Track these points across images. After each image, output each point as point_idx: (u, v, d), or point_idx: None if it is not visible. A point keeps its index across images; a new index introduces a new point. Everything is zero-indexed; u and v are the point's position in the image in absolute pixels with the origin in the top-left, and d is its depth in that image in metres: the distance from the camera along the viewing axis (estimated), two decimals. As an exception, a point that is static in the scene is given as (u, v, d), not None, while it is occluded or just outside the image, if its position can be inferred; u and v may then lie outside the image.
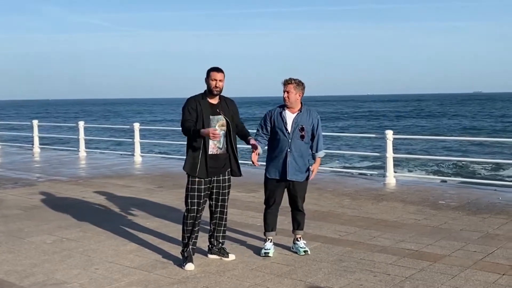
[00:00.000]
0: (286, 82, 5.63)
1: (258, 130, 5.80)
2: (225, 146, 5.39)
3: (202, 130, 5.09)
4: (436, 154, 25.30)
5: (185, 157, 5.42)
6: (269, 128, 5.71)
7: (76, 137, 16.72)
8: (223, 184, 5.49)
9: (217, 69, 5.34)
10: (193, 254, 5.43)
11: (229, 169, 5.50)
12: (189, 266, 5.28)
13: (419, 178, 11.92)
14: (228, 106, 5.45)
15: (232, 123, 5.40)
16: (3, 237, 6.61)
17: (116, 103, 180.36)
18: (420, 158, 21.64)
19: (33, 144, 17.77)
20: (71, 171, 12.74)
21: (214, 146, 5.31)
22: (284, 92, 5.61)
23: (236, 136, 5.53)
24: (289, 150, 5.60)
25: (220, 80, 5.29)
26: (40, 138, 18.22)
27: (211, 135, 5.03)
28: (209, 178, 5.36)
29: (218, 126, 5.29)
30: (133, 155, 15.00)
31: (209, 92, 5.32)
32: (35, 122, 18.02)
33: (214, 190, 5.46)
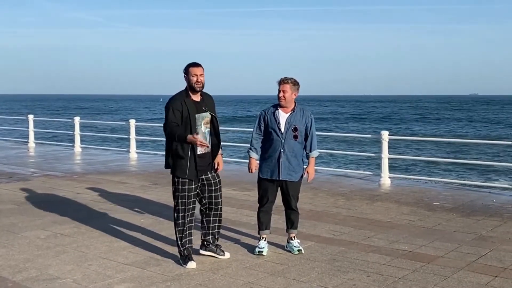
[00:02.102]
0: (282, 82, 5.58)
1: (253, 133, 5.77)
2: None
3: (189, 137, 4.97)
4: (431, 156, 25.35)
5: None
6: (262, 129, 5.70)
7: (71, 132, 16.69)
8: (213, 181, 5.42)
9: (196, 64, 5.20)
10: (192, 253, 5.37)
11: (212, 165, 5.43)
12: (191, 264, 5.22)
13: (414, 179, 11.94)
14: (209, 101, 5.34)
15: (216, 118, 5.34)
16: (-3, 232, 6.60)
17: (108, 99, 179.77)
18: (415, 159, 21.70)
19: (28, 139, 17.73)
20: (66, 166, 12.71)
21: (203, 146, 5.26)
22: (280, 91, 5.58)
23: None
24: (282, 150, 5.59)
25: (201, 75, 5.15)
26: (35, 133, 18.17)
27: (198, 143, 4.97)
28: (198, 178, 5.31)
29: (203, 124, 5.22)
30: (128, 151, 14.98)
31: (191, 89, 5.18)
32: (31, 117, 17.96)
33: (206, 188, 5.41)
